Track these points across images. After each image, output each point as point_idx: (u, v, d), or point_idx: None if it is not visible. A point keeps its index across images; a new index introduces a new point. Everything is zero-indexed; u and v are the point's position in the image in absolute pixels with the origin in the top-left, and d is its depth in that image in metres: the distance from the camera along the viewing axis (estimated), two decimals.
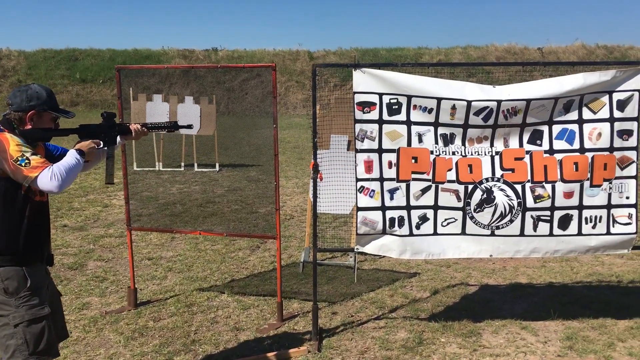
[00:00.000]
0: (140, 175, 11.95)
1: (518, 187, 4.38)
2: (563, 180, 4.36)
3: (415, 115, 4.35)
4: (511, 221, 4.40)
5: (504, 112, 4.30)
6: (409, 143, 4.37)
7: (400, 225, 4.44)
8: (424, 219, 4.46)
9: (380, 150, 4.38)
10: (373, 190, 4.41)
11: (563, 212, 4.40)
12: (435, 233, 4.48)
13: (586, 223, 4.42)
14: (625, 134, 4.34)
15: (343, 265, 6.18)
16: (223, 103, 23.78)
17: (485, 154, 4.40)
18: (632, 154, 4.38)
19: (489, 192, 4.37)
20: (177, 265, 6.29)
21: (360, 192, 4.42)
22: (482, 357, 4.19)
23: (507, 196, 4.37)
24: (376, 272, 6.10)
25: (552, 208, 4.39)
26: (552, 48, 29.89)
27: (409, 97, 4.32)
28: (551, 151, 4.38)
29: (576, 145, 4.36)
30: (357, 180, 4.42)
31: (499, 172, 4.38)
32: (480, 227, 4.42)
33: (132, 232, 5.30)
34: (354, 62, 4.51)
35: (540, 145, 4.39)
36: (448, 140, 4.39)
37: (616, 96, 4.33)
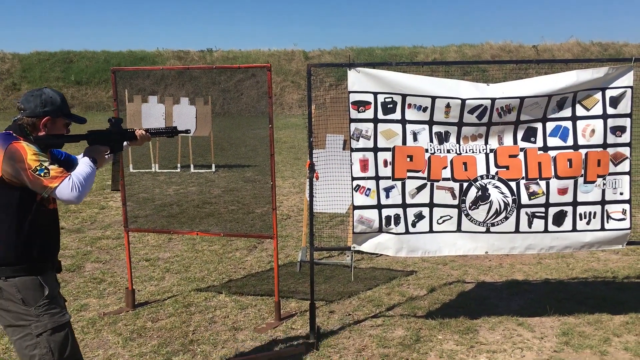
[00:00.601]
0: (136, 177, 11.95)
1: (513, 184, 4.41)
2: (557, 177, 4.39)
3: (410, 114, 4.38)
4: (506, 218, 4.43)
5: (498, 109, 4.33)
6: (404, 141, 4.40)
7: (397, 223, 4.46)
8: (419, 216, 4.48)
9: (375, 149, 4.40)
10: (369, 189, 4.43)
11: (557, 209, 4.43)
12: (431, 231, 4.50)
13: (580, 219, 4.45)
14: (618, 130, 4.38)
15: (340, 264, 6.20)
16: (218, 104, 23.78)
17: (479, 152, 4.43)
18: (626, 150, 4.41)
19: (483, 189, 4.40)
20: (175, 266, 6.30)
21: (356, 191, 4.44)
22: (479, 354, 4.21)
23: (502, 193, 4.40)
24: (373, 270, 6.13)
25: (547, 205, 4.42)
26: (547, 45, 29.96)
27: (404, 96, 4.35)
28: (545, 148, 4.41)
29: (570, 142, 4.39)
30: (353, 179, 4.44)
31: (493, 170, 4.41)
32: (475, 224, 4.45)
33: (129, 233, 5.32)
34: (349, 61, 4.53)
35: (534, 142, 4.42)
36: (443, 138, 4.41)
37: (609, 93, 4.36)
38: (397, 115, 4.38)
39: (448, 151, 4.42)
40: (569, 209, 4.44)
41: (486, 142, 4.43)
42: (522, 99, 4.30)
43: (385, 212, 4.45)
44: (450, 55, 29.59)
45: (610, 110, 4.36)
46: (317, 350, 4.29)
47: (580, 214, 4.45)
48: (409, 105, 4.37)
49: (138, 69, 6.14)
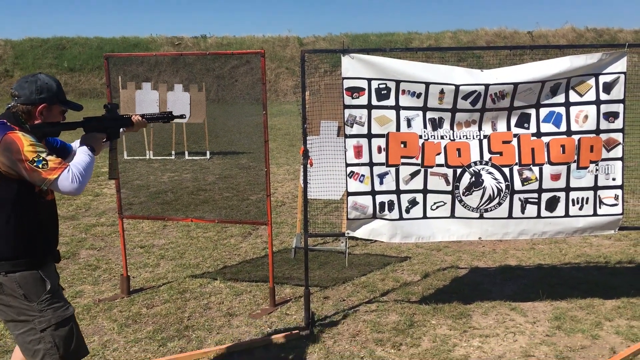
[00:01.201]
0: (131, 163, 11.92)
1: (506, 170, 4.42)
2: (550, 163, 4.41)
3: (404, 100, 4.38)
4: (499, 204, 4.45)
5: (492, 95, 4.33)
6: (398, 128, 4.40)
7: (390, 209, 4.48)
8: (413, 202, 4.50)
9: (369, 136, 4.40)
10: (363, 175, 4.44)
11: (550, 194, 4.45)
12: (424, 217, 4.52)
13: (573, 205, 4.48)
14: (611, 116, 4.39)
15: (334, 251, 6.23)
16: (213, 90, 23.67)
17: (473, 138, 4.43)
18: (618, 136, 4.43)
19: (477, 175, 4.41)
20: (170, 253, 6.31)
21: (350, 177, 4.45)
22: (472, 338, 4.25)
23: (495, 179, 4.42)
24: (367, 256, 6.15)
25: (540, 190, 4.44)
26: (542, 32, 29.93)
27: (398, 82, 4.34)
28: (538, 134, 4.42)
29: (563, 127, 4.40)
30: (347, 165, 4.44)
31: (487, 156, 4.42)
32: (469, 210, 4.47)
33: (123, 220, 5.32)
34: (343, 47, 4.52)
35: (528, 128, 4.43)
36: (437, 124, 4.42)
37: (602, 79, 4.37)
38: (391, 101, 4.38)
39: (442, 137, 4.43)
40: (562, 194, 4.46)
41: (480, 128, 4.44)
42: (515, 85, 4.30)
43: (379, 198, 4.46)
44: (445, 41, 29.51)
45: (603, 96, 4.37)
46: (312, 335, 4.32)
47: (573, 200, 4.47)
48: (403, 91, 4.36)
49: (131, 55, 6.10)
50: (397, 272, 5.65)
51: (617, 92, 4.37)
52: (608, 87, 4.36)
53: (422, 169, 4.44)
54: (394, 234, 4.52)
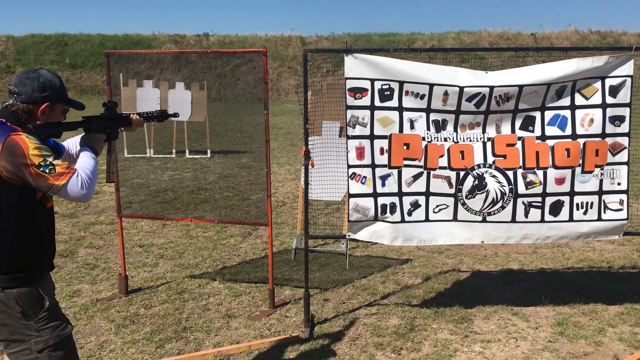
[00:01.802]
0: (131, 162, 11.88)
1: (510, 174, 4.37)
2: (555, 167, 4.35)
3: (407, 101, 4.32)
4: (503, 207, 4.39)
5: (497, 98, 4.28)
6: (401, 129, 4.35)
7: (392, 211, 4.43)
8: (415, 205, 4.44)
9: (372, 137, 4.35)
10: (365, 177, 4.39)
11: (554, 199, 4.40)
12: (427, 219, 4.47)
13: (577, 209, 4.42)
14: (617, 120, 4.34)
15: (335, 252, 6.18)
16: (214, 89, 23.61)
17: (477, 140, 4.38)
18: (624, 140, 4.37)
19: (480, 178, 4.36)
20: (169, 253, 6.26)
21: (352, 179, 4.40)
22: (474, 343, 4.20)
23: (499, 182, 4.36)
24: (368, 258, 6.10)
25: (544, 194, 4.38)
26: (546, 33, 29.85)
27: (401, 83, 4.29)
28: (543, 137, 4.36)
29: (568, 131, 4.35)
30: (349, 166, 4.39)
31: (490, 159, 4.37)
32: (471, 213, 4.42)
33: (122, 219, 5.27)
34: (346, 47, 4.47)
35: (532, 131, 4.37)
36: (440, 126, 4.36)
37: (609, 82, 4.31)
38: (394, 102, 4.32)
39: (445, 139, 4.37)
40: (566, 198, 4.40)
41: (484, 131, 4.38)
42: (521, 87, 4.25)
43: (381, 200, 4.41)
44: (448, 42, 29.44)
45: (609, 100, 4.31)
46: (311, 338, 4.27)
47: (577, 204, 4.42)
48: (406, 92, 4.31)
49: (132, 52, 6.05)
50: (398, 274, 5.60)
51: (624, 95, 4.31)
52: (614, 91, 4.31)
53: (425, 172, 4.39)
54: (396, 237, 4.47)
